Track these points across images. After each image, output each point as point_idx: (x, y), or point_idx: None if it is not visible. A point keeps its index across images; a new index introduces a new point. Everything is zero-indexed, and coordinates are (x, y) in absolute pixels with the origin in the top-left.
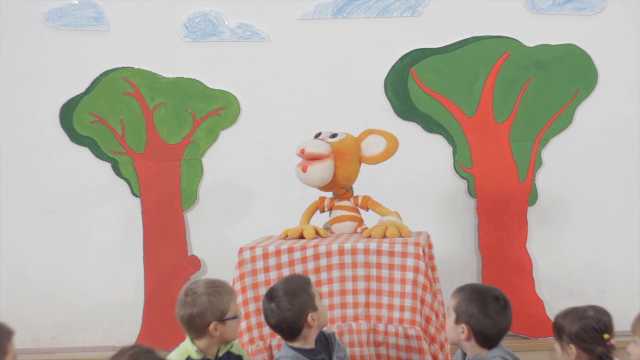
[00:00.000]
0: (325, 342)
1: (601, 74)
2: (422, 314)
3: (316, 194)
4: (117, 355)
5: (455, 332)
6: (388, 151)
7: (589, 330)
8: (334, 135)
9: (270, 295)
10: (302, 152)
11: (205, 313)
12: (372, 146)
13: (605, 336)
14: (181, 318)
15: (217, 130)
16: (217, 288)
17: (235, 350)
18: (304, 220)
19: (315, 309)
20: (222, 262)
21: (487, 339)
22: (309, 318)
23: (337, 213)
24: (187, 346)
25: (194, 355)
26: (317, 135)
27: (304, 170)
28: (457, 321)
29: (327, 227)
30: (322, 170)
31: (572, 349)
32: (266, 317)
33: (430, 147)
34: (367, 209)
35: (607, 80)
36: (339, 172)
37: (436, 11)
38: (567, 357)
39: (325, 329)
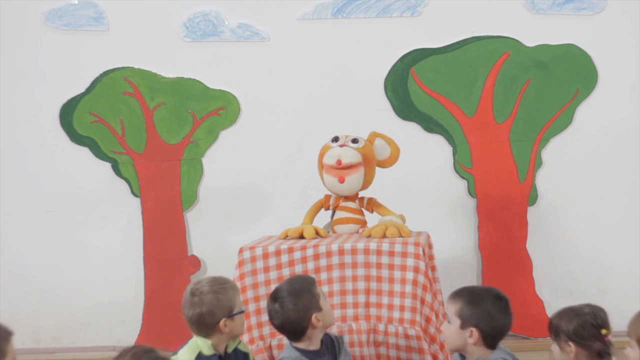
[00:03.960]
0: (332, 344)
1: (601, 74)
2: (422, 314)
3: (316, 194)
4: (119, 356)
5: (460, 337)
6: (395, 155)
7: (587, 327)
8: (355, 141)
9: (275, 296)
10: (338, 164)
11: (215, 311)
12: (381, 150)
13: (603, 331)
14: (190, 318)
15: (217, 130)
16: (222, 285)
17: (242, 347)
18: (308, 218)
19: (319, 309)
20: (222, 262)
21: (494, 339)
22: (313, 318)
23: (341, 214)
24: (198, 342)
25: (206, 351)
26: (335, 139)
27: (342, 180)
28: (463, 326)
29: (329, 228)
30: (359, 180)
31: (571, 347)
32: (270, 318)
33: (430, 147)
34: (372, 211)
35: (607, 80)
36: (366, 178)
37: (436, 11)
38: (565, 357)
39: (332, 331)
